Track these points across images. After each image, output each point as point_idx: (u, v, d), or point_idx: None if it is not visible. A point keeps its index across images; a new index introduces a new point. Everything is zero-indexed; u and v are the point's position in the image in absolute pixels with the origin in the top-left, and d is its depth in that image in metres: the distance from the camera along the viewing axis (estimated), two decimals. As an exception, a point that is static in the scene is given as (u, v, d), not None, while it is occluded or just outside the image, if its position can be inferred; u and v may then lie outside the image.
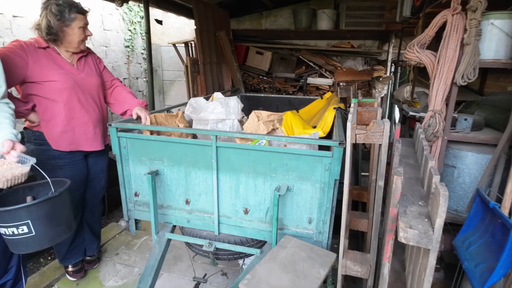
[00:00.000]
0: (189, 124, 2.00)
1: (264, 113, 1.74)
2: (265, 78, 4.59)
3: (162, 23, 4.78)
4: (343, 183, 1.37)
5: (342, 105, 2.41)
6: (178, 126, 1.81)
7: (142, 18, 4.43)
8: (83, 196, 2.03)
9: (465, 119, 1.80)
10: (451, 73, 1.70)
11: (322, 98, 3.73)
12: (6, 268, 1.57)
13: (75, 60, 1.82)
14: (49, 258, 2.34)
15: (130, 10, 4.19)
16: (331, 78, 4.43)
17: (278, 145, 1.62)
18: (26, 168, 1.34)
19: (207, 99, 2.39)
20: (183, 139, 1.62)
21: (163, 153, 1.68)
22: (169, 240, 1.74)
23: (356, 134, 1.23)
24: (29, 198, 1.53)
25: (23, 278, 1.65)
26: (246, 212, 1.65)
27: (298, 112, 3.85)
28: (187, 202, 1.74)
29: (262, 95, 4.00)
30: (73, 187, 1.85)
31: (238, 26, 4.77)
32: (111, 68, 4.00)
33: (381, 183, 1.24)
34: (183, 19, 4.55)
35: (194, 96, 3.70)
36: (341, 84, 4.21)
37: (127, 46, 4.23)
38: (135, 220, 1.90)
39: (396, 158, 1.25)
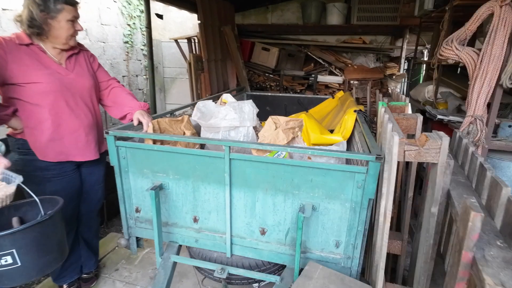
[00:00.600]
0: (196, 129, 1.79)
1: (282, 119, 1.53)
2: (271, 75, 4.37)
3: (163, 17, 4.54)
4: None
5: (362, 108, 2.20)
6: (184, 133, 1.60)
7: (142, 12, 4.19)
8: (78, 210, 1.82)
9: (509, 126, 1.59)
10: (496, 74, 1.49)
11: (333, 97, 3.51)
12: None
13: (63, 58, 1.59)
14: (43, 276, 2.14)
15: (129, 4, 3.96)
16: (341, 75, 4.21)
17: (300, 157, 1.41)
18: (10, 189, 1.13)
19: (213, 99, 2.18)
20: (190, 149, 1.41)
21: (168, 165, 1.47)
22: (175, 264, 1.54)
23: (405, 151, 1.02)
24: (14, 220, 1.33)
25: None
26: (263, 232, 1.45)
27: (307, 112, 3.64)
28: (195, 220, 1.53)
29: (270, 94, 3.79)
30: (65, 201, 1.65)
31: (243, 21, 4.53)
32: (110, 65, 3.78)
33: (434, 209, 1.03)
34: (185, 14, 4.31)
35: (198, 95, 3.48)
36: (352, 82, 3.99)
37: (126, 42, 4.00)
38: (136, 238, 1.70)
39: (447, 177, 1.04)
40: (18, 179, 1.14)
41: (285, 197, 1.36)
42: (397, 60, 4.16)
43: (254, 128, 1.65)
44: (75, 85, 1.58)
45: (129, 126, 1.65)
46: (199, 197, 1.48)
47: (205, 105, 1.61)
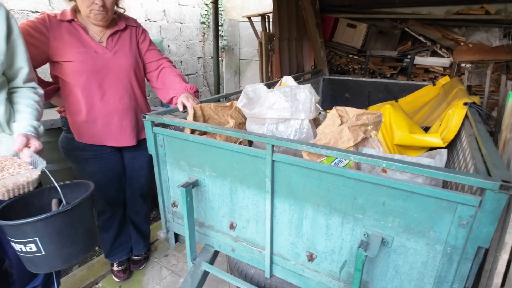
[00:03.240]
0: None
1: (351, 112, 1.13)
2: (356, 57, 3.77)
3: (242, -5, 4.34)
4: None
5: (477, 99, 1.58)
6: (228, 120, 1.34)
7: (220, -10, 4.06)
8: (123, 193, 1.78)
9: None
10: None
11: (434, 84, 2.78)
12: (32, 273, 1.41)
13: (106, 36, 1.48)
14: (101, 250, 2.25)
15: (208, -18, 3.86)
16: (449, 57, 3.35)
17: (371, 167, 1.00)
18: (33, 175, 1.06)
19: (274, 84, 1.86)
20: (226, 143, 1.14)
21: (204, 159, 1.25)
22: (206, 273, 1.34)
23: None
24: (54, 202, 1.30)
25: (55, 283, 1.49)
26: (310, 258, 1.11)
27: (397, 102, 3.00)
28: (232, 226, 1.29)
29: (351, 78, 3.25)
30: (102, 184, 1.60)
31: (327, -6, 3.99)
32: (185, 46, 3.78)
33: None
34: (264, -10, 4.01)
35: (268, 78, 3.20)
36: (464, 65, 3.12)
37: (203, 22, 3.95)
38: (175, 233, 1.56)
39: None
40: (42, 164, 1.06)
41: (343, 219, 0.99)
42: (536, 35, 3.07)
43: (315, 120, 1.28)
44: (111, 66, 1.46)
45: (172, 110, 1.48)
46: (237, 202, 1.23)
47: (255, 89, 1.31)
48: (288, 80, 1.52)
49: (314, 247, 1.09)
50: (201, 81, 4.23)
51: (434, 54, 3.43)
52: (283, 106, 1.11)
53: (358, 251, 0.88)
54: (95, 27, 1.46)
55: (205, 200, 1.33)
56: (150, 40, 1.66)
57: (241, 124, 1.36)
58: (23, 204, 1.17)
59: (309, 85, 1.16)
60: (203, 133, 1.34)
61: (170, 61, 1.71)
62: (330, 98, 3.35)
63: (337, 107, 1.13)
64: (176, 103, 1.55)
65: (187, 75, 3.98)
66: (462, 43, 3.27)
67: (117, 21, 1.53)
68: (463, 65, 3.28)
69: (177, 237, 1.59)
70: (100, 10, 1.38)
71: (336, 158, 0.98)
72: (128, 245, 1.95)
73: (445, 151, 0.95)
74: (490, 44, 3.20)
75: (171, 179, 1.42)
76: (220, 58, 4.41)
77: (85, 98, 1.44)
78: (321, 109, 1.37)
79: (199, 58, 4.07)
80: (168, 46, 3.58)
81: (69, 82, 1.43)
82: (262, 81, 3.22)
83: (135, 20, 1.62)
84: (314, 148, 0.95)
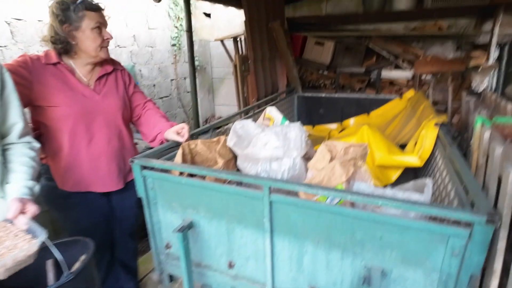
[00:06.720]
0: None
1: (339, 146, 1.19)
2: (326, 73, 3.92)
3: (211, 16, 4.38)
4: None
5: (445, 118, 1.71)
6: (217, 159, 1.35)
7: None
8: (111, 235, 1.71)
9: None
10: None
11: (401, 98, 2.98)
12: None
13: (94, 78, 1.45)
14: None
15: (176, 5, 3.85)
16: (410, 69, 3.59)
17: (364, 205, 1.06)
18: (33, 247, 0.97)
19: (257, 114, 1.90)
20: (221, 185, 1.15)
21: (198, 201, 1.24)
22: (206, 316, 1.32)
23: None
24: (49, 263, 1.21)
25: None
26: (313, 292, 1.14)
27: (368, 115, 3.16)
28: (231, 265, 1.28)
29: (324, 95, 3.38)
30: (89, 229, 1.53)
31: (294, 13, 4.14)
32: (158, 70, 3.74)
33: None
34: (233, 11, 4.08)
35: (244, 99, 3.24)
36: (424, 77, 3.36)
37: (174, 45, 3.93)
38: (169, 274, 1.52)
39: None
40: (42, 235, 0.98)
41: (343, 254, 1.03)
42: (484, 48, 3.39)
43: (306, 154, 1.33)
44: (100, 108, 1.43)
45: (159, 150, 1.46)
46: (235, 241, 1.23)
47: (243, 126, 1.34)
48: (272, 111, 1.55)
49: (315, 281, 1.12)
50: (175, 103, 4.19)
51: (397, 67, 3.66)
52: (275, 146, 1.14)
53: (362, 288, 0.92)
54: (84, 68, 1.42)
55: (200, 241, 1.31)
56: (135, 83, 1.64)
57: (229, 161, 1.37)
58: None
59: (298, 122, 1.20)
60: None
61: (154, 103, 1.70)
62: (305, 115, 3.45)
63: (326, 142, 1.18)
64: (161, 140, 1.54)
65: (161, 97, 3.93)
66: (421, 57, 3.52)
67: (103, 63, 1.49)
68: (423, 76, 3.53)
69: (171, 276, 1.55)
70: (106, 45, 1.39)
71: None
72: (117, 287, 1.86)
73: (430, 182, 1.02)
74: (446, 56, 3.49)
75: (163, 221, 1.39)
76: (193, 79, 4.39)
77: (71, 143, 1.38)
78: (309, 141, 1.42)
79: (172, 80, 4.03)
80: (140, 70, 3.52)
81: (54, 127, 1.36)
82: (239, 103, 3.25)
83: (119, 63, 1.61)
84: (311, 189, 0.98)
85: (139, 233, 2.15)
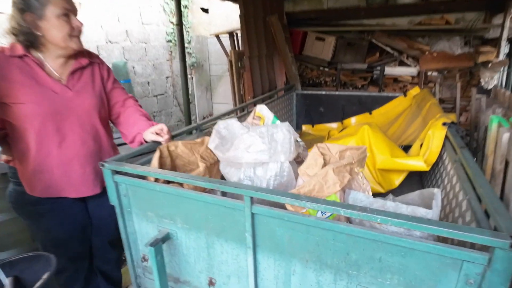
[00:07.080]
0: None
1: (333, 148, 1.04)
2: (327, 69, 3.77)
3: (208, 11, 4.23)
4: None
5: (453, 117, 1.55)
6: (198, 163, 1.20)
7: (185, 7, 3.93)
8: (89, 244, 1.58)
9: None
10: None
11: (405, 95, 2.81)
12: None
13: (66, 73, 1.30)
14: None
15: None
16: (415, 66, 3.42)
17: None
18: None
19: (248, 114, 1.75)
20: (199, 194, 1.01)
21: (175, 211, 1.10)
22: None
23: None
24: (9, 281, 1.09)
25: None
26: (302, 317, 0.99)
27: (371, 114, 3.00)
28: (212, 283, 1.14)
29: (324, 92, 3.22)
30: (63, 239, 1.40)
31: (294, 8, 3.98)
32: (152, 66, 3.60)
33: None
34: (230, 5, 3.93)
35: (241, 97, 3.09)
36: (430, 73, 3.19)
37: (169, 41, 3.79)
38: (148, 288, 1.38)
39: None
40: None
41: (335, 276, 0.88)
42: (493, 42, 3.21)
43: (297, 158, 1.18)
44: (72, 106, 1.28)
45: (132, 154, 1.32)
46: (215, 256, 1.08)
47: (227, 126, 1.19)
48: (262, 109, 1.41)
49: (305, 305, 0.97)
50: (171, 101, 4.05)
51: (402, 64, 3.50)
52: (260, 149, 0.99)
53: (358, 320, 0.77)
54: (55, 61, 1.27)
55: (178, 254, 1.17)
56: (114, 78, 1.50)
57: (212, 165, 1.23)
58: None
59: (286, 123, 1.05)
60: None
61: (136, 101, 1.56)
62: (304, 113, 3.30)
63: (319, 145, 1.03)
64: (140, 142, 1.40)
65: (156, 95, 3.79)
66: (426, 52, 3.35)
67: (77, 56, 1.35)
68: (429, 73, 3.36)
69: (151, 292, 1.41)
70: (76, 34, 1.23)
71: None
72: (97, 300, 1.73)
73: (438, 193, 0.87)
74: (453, 52, 3.31)
75: (138, 232, 1.25)
76: (189, 76, 4.26)
77: (39, 145, 1.24)
78: (301, 142, 1.27)
79: (167, 77, 3.89)
80: (133, 67, 3.39)
81: (20, 126, 1.22)
82: (235, 101, 3.11)
83: (97, 56, 1.46)
84: (298, 201, 0.83)
85: (122, 241, 2.01)
